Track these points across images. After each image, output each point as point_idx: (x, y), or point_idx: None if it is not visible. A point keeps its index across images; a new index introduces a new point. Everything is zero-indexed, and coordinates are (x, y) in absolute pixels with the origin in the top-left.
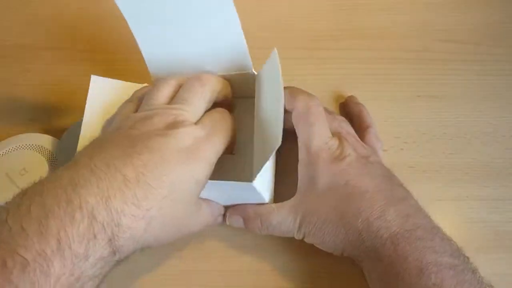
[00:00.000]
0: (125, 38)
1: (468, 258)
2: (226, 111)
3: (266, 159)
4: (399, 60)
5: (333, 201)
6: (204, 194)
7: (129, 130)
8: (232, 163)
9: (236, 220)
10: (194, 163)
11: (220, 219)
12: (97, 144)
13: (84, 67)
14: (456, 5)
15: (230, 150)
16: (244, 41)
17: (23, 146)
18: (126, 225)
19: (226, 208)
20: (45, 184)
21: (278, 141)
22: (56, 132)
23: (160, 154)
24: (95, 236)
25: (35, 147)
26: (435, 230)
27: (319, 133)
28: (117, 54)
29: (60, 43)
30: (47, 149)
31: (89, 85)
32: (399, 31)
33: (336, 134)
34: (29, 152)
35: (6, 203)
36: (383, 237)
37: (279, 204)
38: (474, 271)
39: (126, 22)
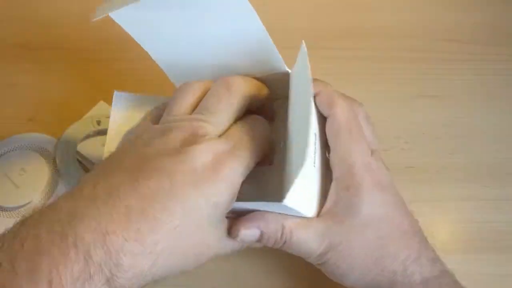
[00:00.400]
0: (128, 38)
1: None
2: (260, 118)
3: (296, 176)
4: (399, 60)
5: (371, 235)
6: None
7: (142, 148)
8: (270, 175)
9: (252, 234)
10: (212, 185)
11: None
12: (106, 166)
13: (85, 67)
14: (456, 5)
15: (267, 162)
16: (269, 37)
17: (22, 146)
18: (127, 265)
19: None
20: (44, 213)
21: (304, 155)
22: (55, 132)
23: (171, 178)
24: (91, 277)
25: (35, 147)
26: (453, 277)
27: (363, 151)
28: (120, 53)
29: (60, 43)
30: (46, 149)
31: (89, 85)
32: (399, 30)
33: (371, 151)
34: (28, 152)
35: (4, 233)
36: (416, 283)
37: (304, 221)
38: None
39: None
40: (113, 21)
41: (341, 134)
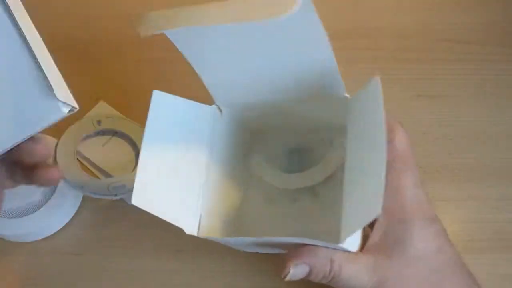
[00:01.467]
0: (128, 38)
1: None
2: None
3: (360, 226)
4: (399, 60)
5: (424, 269)
6: None
7: None
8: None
9: (301, 271)
10: None
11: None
12: None
13: (85, 67)
14: (457, 5)
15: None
16: (335, 62)
17: None
18: None
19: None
20: None
21: (376, 209)
22: (56, 132)
23: None
24: None
25: None
26: None
27: (414, 181)
28: (121, 54)
29: (60, 43)
30: None
31: (89, 85)
32: (399, 31)
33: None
34: None
35: None
36: None
37: (352, 255)
38: None
39: (130, 22)
40: (115, 22)
41: (397, 163)
